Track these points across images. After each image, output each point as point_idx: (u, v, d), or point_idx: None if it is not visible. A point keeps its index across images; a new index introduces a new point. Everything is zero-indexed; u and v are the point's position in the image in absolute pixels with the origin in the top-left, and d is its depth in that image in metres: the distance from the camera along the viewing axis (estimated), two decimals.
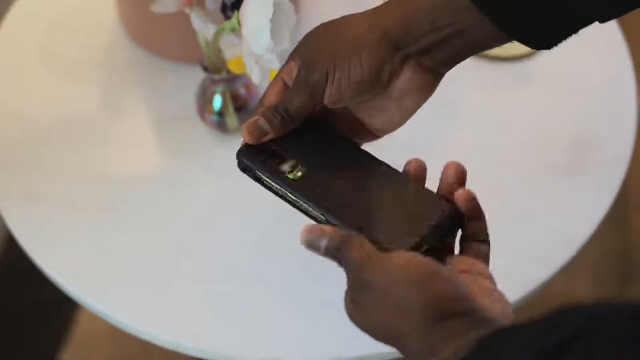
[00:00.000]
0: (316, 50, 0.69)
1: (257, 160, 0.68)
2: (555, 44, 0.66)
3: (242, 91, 1.02)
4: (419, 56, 0.67)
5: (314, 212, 0.65)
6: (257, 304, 0.95)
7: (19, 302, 1.22)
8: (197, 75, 1.02)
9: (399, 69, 0.68)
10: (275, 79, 0.71)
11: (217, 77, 0.99)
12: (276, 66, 0.83)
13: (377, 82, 0.68)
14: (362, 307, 0.62)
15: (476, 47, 0.68)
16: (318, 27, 0.70)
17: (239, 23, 0.85)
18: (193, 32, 0.93)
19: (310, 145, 0.68)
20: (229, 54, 0.94)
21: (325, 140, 0.69)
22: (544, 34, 0.66)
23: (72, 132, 1.06)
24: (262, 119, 0.68)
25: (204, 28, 0.92)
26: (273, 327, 0.94)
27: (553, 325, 0.55)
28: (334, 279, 0.94)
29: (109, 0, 1.15)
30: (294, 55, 0.70)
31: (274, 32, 0.83)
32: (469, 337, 0.58)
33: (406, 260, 0.60)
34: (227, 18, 0.91)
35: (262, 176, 0.67)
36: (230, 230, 0.99)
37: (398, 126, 0.71)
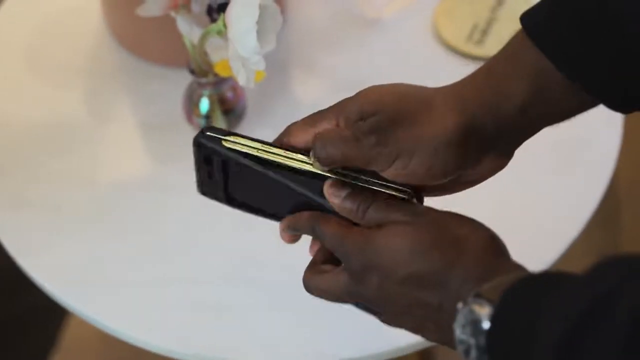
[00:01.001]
0: (392, 113, 0.61)
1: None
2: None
3: (229, 94, 1.02)
4: (505, 146, 0.63)
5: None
6: (246, 308, 0.95)
7: (6, 309, 1.21)
8: (184, 79, 1.02)
9: (480, 159, 0.62)
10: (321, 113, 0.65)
11: (203, 80, 0.99)
12: (262, 68, 0.83)
13: (455, 171, 0.62)
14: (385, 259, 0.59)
15: (559, 119, 0.63)
16: (383, 91, 0.62)
17: (225, 25, 0.85)
18: (179, 35, 0.93)
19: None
20: (215, 56, 0.94)
21: None
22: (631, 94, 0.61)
23: (58, 136, 1.06)
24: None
25: (189, 31, 0.92)
26: (262, 330, 0.93)
27: (597, 274, 0.52)
28: None
29: (95, 4, 1.14)
30: (347, 104, 0.63)
31: (260, 35, 0.83)
32: (512, 276, 0.57)
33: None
34: (213, 21, 0.91)
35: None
36: (218, 234, 0.99)
37: (450, 192, 0.66)
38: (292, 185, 0.64)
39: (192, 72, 0.97)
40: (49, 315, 1.24)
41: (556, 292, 0.53)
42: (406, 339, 0.88)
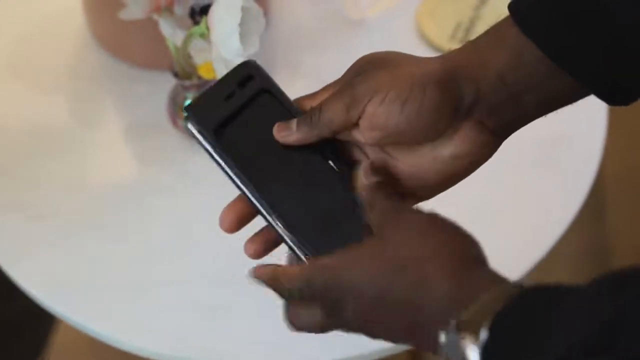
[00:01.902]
0: (373, 65, 0.61)
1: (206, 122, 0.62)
2: (634, 100, 0.61)
3: None
4: (483, 115, 0.60)
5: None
6: (237, 311, 0.94)
7: None
8: (168, 81, 1.02)
9: (458, 125, 0.60)
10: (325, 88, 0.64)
11: (187, 82, 0.98)
12: None
13: (432, 125, 0.59)
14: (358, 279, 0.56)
15: (546, 104, 0.61)
16: (377, 53, 0.63)
17: (208, 28, 0.85)
18: (162, 38, 0.93)
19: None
20: (199, 59, 0.94)
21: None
22: (629, 91, 0.60)
23: (43, 141, 1.06)
24: (296, 122, 0.62)
25: (172, 34, 0.92)
26: (254, 333, 0.93)
27: (616, 287, 0.49)
28: None
29: (77, 8, 1.14)
30: (346, 72, 0.63)
31: (243, 37, 0.83)
32: (501, 289, 0.53)
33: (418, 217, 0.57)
34: (196, 23, 0.91)
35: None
36: (206, 236, 0.99)
37: (435, 193, 0.63)
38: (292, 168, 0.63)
39: (176, 74, 0.97)
40: (38, 320, 1.24)
41: (553, 319, 0.50)
42: None
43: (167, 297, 0.95)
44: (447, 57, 0.61)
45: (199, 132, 0.62)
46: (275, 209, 0.62)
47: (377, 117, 0.60)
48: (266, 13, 1.03)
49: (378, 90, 0.60)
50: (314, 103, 0.63)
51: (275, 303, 0.94)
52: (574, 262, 1.66)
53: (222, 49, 0.83)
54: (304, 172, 0.63)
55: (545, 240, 0.98)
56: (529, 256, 0.97)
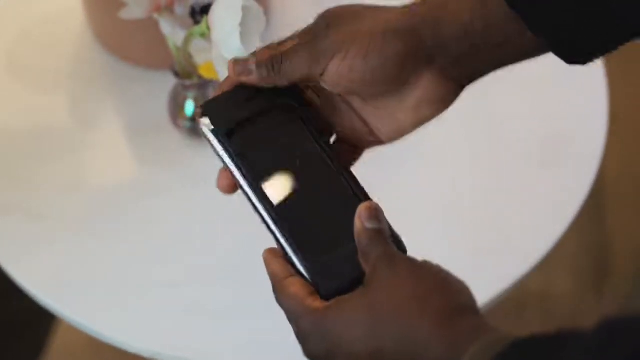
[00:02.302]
0: (337, 20, 0.61)
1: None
2: (592, 59, 0.60)
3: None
4: (446, 64, 0.60)
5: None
6: (236, 311, 0.94)
7: None
8: (168, 81, 1.02)
9: (420, 72, 0.61)
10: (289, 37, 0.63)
11: (188, 82, 0.98)
12: None
13: (396, 75, 0.60)
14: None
15: (506, 58, 0.61)
16: (342, 6, 0.62)
17: (208, 27, 0.85)
18: (162, 38, 0.93)
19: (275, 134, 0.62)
20: (199, 58, 0.94)
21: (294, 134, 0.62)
22: (583, 46, 0.60)
23: (43, 142, 1.06)
24: (253, 61, 0.61)
25: (173, 33, 0.92)
26: (253, 333, 0.93)
27: (606, 342, 0.49)
28: None
29: (78, 7, 1.14)
30: (312, 24, 0.62)
31: (244, 36, 0.83)
32: (489, 341, 0.52)
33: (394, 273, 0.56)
34: (196, 23, 0.91)
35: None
36: (206, 236, 0.99)
37: (404, 134, 0.63)
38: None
39: (177, 74, 0.97)
40: (37, 320, 1.24)
41: None
42: None
43: (167, 297, 0.95)
44: (411, 7, 0.62)
45: (212, 131, 0.61)
46: (278, 221, 0.61)
47: (340, 73, 0.60)
48: (267, 12, 1.03)
49: (340, 48, 0.60)
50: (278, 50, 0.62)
51: (273, 304, 0.95)
52: (574, 261, 1.66)
53: (223, 48, 0.82)
54: (312, 186, 0.61)
55: (546, 239, 0.98)
56: (529, 255, 0.97)
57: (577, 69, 1.16)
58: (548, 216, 1.00)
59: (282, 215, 0.60)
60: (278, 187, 0.61)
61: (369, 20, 0.61)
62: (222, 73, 0.84)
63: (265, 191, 0.61)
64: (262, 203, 0.61)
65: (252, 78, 0.61)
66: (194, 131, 1.03)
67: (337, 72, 0.60)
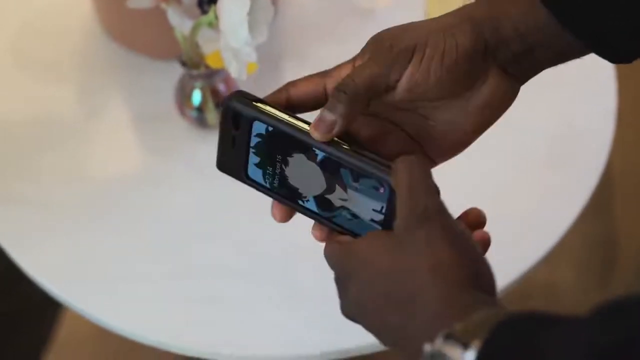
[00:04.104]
0: (389, 34, 0.61)
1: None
2: (635, 58, 0.61)
3: (221, 86, 1.02)
4: (507, 61, 0.61)
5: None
6: (240, 301, 0.94)
7: (1, 304, 1.21)
8: (175, 71, 1.02)
9: (487, 69, 0.61)
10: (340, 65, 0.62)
11: (195, 72, 0.98)
12: (254, 59, 0.83)
13: (467, 72, 0.60)
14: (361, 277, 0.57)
15: (557, 58, 0.63)
16: (391, 27, 0.62)
17: (216, 17, 0.85)
18: (170, 28, 0.93)
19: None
20: (207, 48, 0.93)
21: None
22: (625, 46, 0.61)
23: (50, 132, 1.06)
24: (324, 109, 0.59)
25: (180, 23, 0.92)
26: (256, 323, 0.93)
27: (610, 320, 0.49)
28: (315, 275, 0.94)
29: None
30: (364, 49, 0.62)
31: (252, 26, 0.83)
32: (488, 314, 0.52)
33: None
34: (204, 12, 0.90)
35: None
36: (211, 227, 0.99)
37: (464, 146, 0.63)
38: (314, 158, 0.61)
39: (184, 64, 0.97)
40: (44, 310, 1.24)
41: (550, 342, 0.49)
42: None
43: (172, 285, 0.95)
44: (463, 10, 0.62)
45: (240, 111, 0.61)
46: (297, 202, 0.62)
47: (421, 75, 0.59)
48: (275, 2, 1.03)
49: (417, 50, 0.59)
50: (331, 80, 0.61)
51: (278, 294, 0.95)
52: (580, 253, 1.65)
53: (231, 38, 0.82)
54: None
55: (552, 233, 0.98)
56: (536, 249, 0.97)
57: (588, 67, 1.16)
58: (555, 210, 0.99)
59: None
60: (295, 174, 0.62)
61: (425, 28, 0.61)
62: (230, 63, 0.84)
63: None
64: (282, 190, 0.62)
65: (339, 123, 0.59)
66: (201, 121, 1.03)
67: (416, 75, 0.59)
